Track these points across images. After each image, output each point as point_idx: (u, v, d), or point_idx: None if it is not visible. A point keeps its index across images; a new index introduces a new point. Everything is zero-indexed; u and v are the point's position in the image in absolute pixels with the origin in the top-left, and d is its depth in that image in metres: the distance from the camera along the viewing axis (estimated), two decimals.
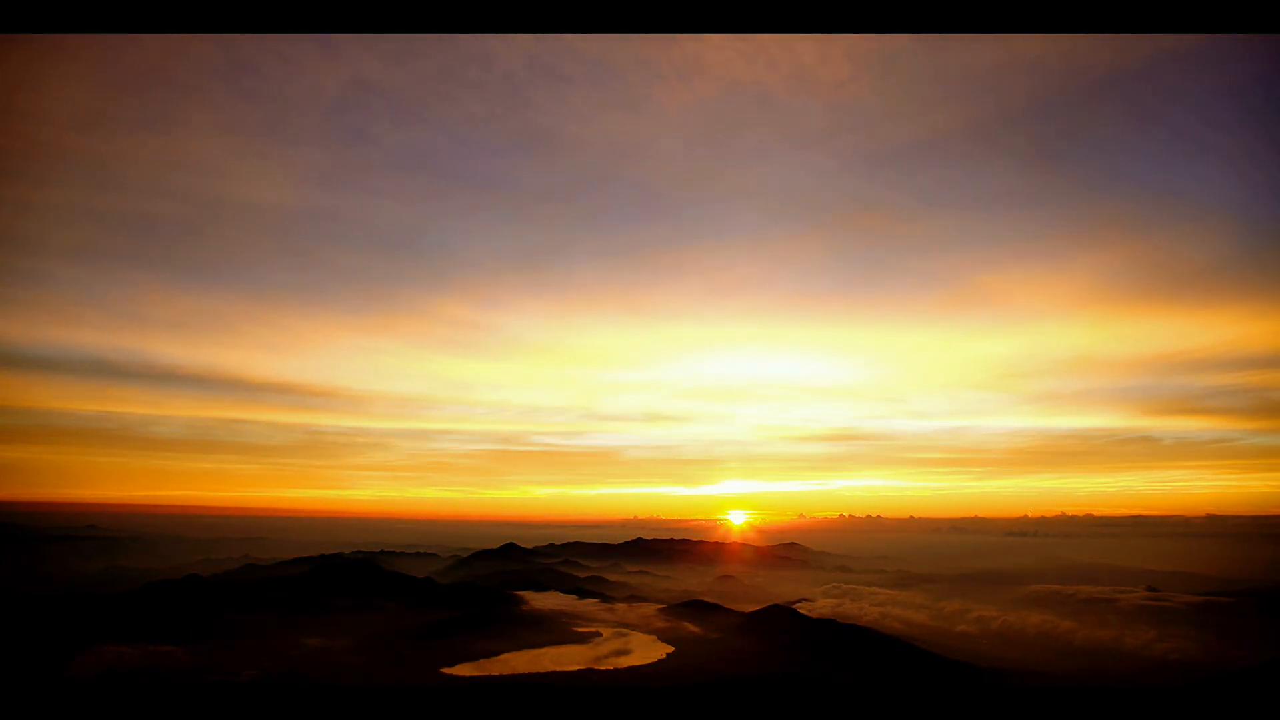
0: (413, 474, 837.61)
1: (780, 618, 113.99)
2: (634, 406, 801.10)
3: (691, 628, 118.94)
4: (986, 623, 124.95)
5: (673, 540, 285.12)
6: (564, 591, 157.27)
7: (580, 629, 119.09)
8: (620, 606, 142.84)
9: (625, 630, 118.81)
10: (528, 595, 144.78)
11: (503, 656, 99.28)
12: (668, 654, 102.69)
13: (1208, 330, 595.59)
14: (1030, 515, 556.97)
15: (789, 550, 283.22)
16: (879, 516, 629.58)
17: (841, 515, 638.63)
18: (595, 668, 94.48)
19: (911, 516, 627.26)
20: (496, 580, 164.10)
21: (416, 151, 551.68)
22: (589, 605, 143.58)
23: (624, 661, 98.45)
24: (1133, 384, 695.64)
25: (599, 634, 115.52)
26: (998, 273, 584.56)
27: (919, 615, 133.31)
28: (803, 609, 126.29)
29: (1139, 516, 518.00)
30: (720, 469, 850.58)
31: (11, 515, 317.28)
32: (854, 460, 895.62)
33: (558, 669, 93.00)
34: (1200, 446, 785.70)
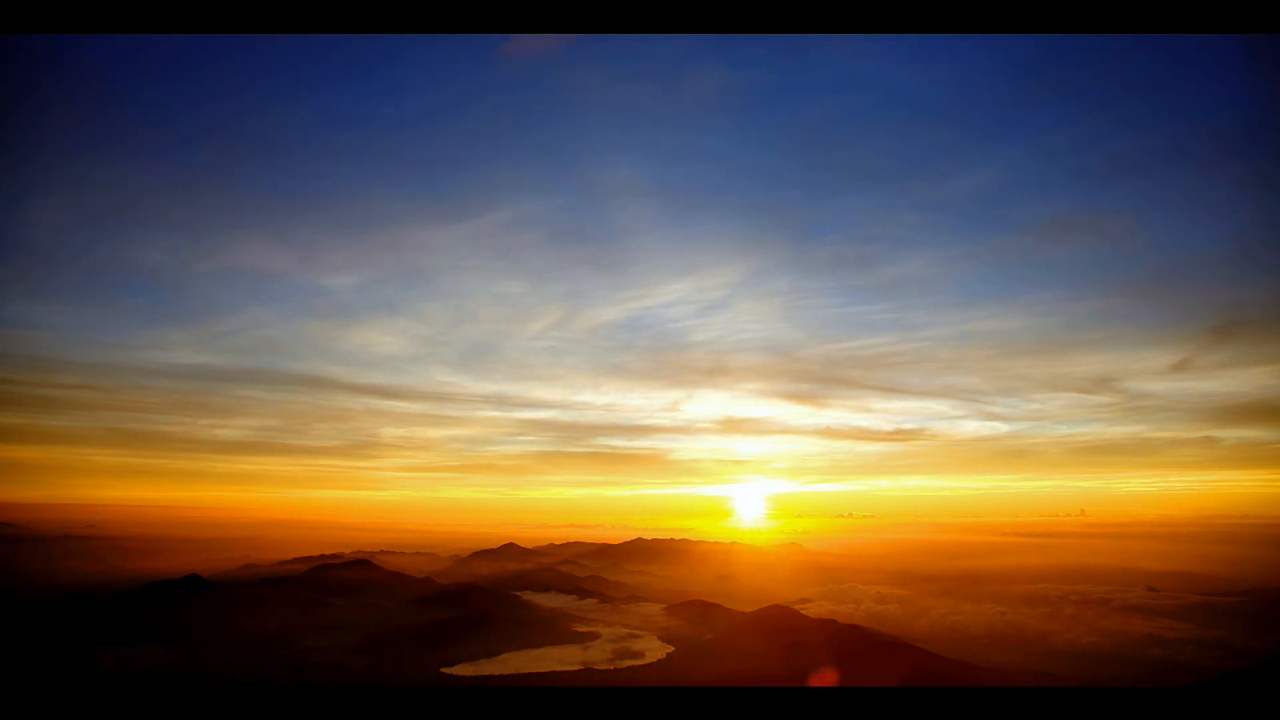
0: (452, 475, 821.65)
1: (780, 618, 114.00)
2: (714, 410, 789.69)
3: (691, 628, 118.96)
4: (985, 622, 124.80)
5: (672, 540, 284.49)
6: (564, 591, 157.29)
7: (580, 629, 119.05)
8: (620, 606, 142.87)
9: (625, 630, 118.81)
10: (528, 595, 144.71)
11: (503, 656, 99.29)
12: (668, 654, 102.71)
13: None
14: (1034, 517, 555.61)
15: (789, 550, 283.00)
16: (875, 517, 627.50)
17: (840, 515, 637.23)
18: (595, 668, 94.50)
19: (915, 516, 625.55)
20: (496, 580, 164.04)
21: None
22: (589, 605, 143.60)
23: (624, 661, 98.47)
24: (1200, 386, 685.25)
25: (599, 634, 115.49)
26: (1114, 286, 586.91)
27: (917, 614, 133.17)
28: (802, 609, 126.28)
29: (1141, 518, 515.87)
30: (763, 470, 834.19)
31: (21, 515, 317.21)
32: (903, 462, 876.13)
33: (558, 669, 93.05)
34: (1262, 449, 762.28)
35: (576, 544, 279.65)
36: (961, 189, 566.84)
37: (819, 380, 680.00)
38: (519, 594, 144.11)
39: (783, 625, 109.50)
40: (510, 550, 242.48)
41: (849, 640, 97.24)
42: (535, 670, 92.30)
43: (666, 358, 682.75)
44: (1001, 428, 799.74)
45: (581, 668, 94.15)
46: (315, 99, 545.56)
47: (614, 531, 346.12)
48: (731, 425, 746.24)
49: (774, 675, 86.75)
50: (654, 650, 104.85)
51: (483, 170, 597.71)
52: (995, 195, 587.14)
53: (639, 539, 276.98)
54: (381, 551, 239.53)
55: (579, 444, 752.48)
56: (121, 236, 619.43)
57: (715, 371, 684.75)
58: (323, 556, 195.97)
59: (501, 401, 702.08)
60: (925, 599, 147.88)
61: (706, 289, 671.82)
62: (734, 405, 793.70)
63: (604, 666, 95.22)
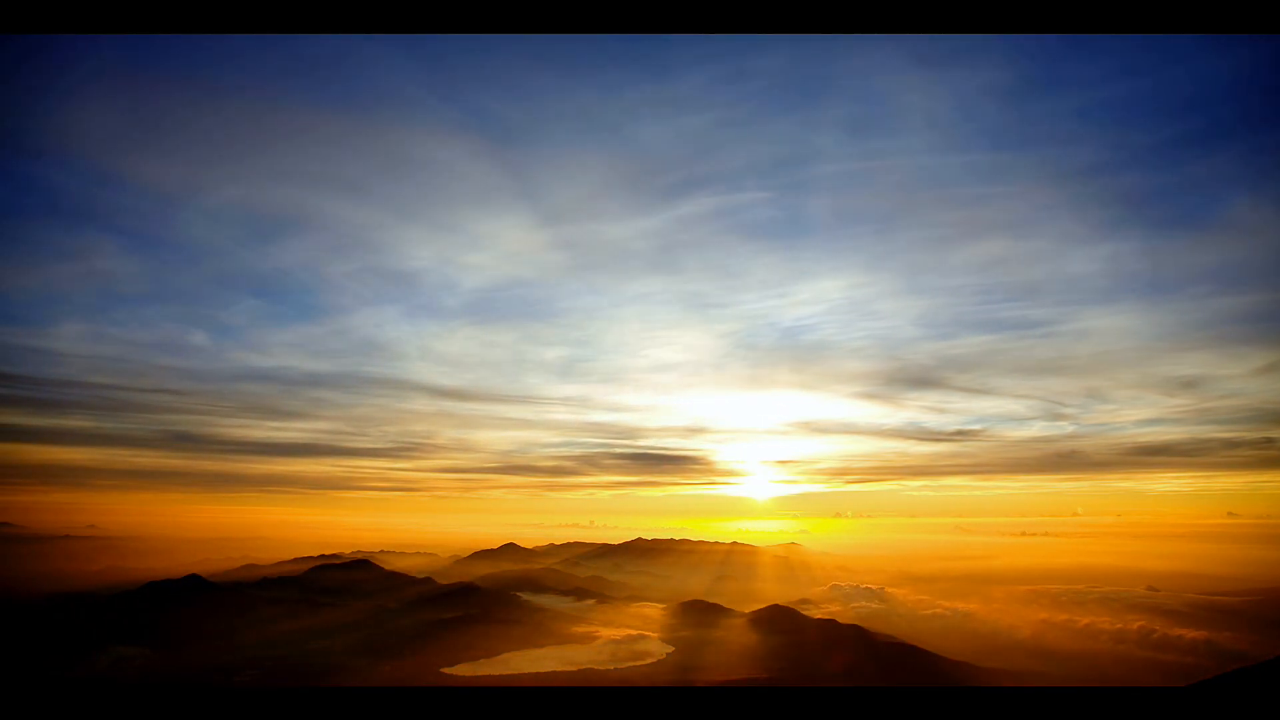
0: (488, 476, 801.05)
1: (780, 618, 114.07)
2: (785, 412, 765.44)
3: (691, 628, 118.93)
4: (985, 622, 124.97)
5: (673, 540, 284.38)
6: (564, 592, 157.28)
7: (580, 629, 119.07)
8: (620, 607, 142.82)
9: (625, 631, 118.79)
10: (527, 595, 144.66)
11: (503, 656, 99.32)
12: (668, 654, 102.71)
13: None
14: (1040, 517, 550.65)
15: (789, 550, 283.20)
16: (876, 518, 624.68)
17: (839, 516, 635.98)
18: (595, 668, 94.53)
19: (913, 517, 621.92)
20: (496, 580, 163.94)
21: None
22: (589, 605, 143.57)
23: (624, 661, 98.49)
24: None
25: (599, 634, 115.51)
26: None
27: (917, 614, 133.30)
28: (803, 609, 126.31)
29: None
30: (803, 470, 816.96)
31: (21, 515, 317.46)
32: (948, 463, 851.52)
33: (558, 669, 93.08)
34: None
35: (577, 544, 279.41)
36: (1161, 184, 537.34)
37: (908, 381, 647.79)
38: (519, 594, 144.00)
39: (783, 625, 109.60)
40: (510, 550, 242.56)
41: (849, 640, 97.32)
42: (535, 670, 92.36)
43: (773, 361, 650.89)
44: (1065, 428, 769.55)
45: (581, 668, 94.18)
46: (480, 96, 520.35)
47: (614, 532, 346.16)
48: (795, 427, 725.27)
49: (774, 675, 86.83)
50: (654, 650, 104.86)
51: (658, 166, 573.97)
52: (1191, 192, 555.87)
53: (639, 539, 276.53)
54: (381, 551, 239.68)
55: (627, 445, 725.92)
56: (268, 235, 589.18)
57: (813, 373, 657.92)
58: (323, 556, 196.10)
59: (579, 404, 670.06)
60: (925, 599, 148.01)
61: (854, 289, 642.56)
62: (809, 407, 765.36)
63: (604, 666, 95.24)
